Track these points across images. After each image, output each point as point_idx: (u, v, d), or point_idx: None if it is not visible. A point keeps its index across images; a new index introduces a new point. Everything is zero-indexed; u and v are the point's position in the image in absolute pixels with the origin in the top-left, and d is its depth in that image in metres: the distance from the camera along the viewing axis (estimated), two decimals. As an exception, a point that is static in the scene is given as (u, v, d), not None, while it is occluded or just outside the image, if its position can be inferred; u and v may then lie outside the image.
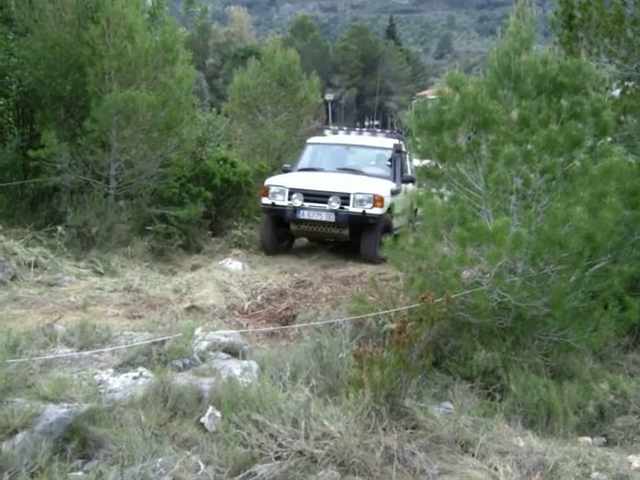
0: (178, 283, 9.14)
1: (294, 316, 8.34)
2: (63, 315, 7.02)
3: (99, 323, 6.20)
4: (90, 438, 3.98)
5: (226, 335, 6.12)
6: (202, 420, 4.31)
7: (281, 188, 11.64)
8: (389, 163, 12.81)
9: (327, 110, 28.28)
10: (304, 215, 11.45)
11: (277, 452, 3.90)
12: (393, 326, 5.34)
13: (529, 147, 6.18)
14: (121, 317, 7.44)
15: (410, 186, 12.22)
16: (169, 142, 11.96)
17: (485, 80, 6.76)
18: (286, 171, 13.12)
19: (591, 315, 6.30)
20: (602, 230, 5.98)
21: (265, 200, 11.77)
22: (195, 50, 22.46)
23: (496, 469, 4.03)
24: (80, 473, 3.70)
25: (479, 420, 4.77)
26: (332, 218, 11.31)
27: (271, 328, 7.77)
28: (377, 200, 11.22)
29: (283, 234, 12.17)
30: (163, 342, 5.38)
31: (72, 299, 7.85)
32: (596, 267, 6.32)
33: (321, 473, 3.79)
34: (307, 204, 11.41)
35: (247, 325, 7.92)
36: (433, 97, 7.28)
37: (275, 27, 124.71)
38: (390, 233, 11.01)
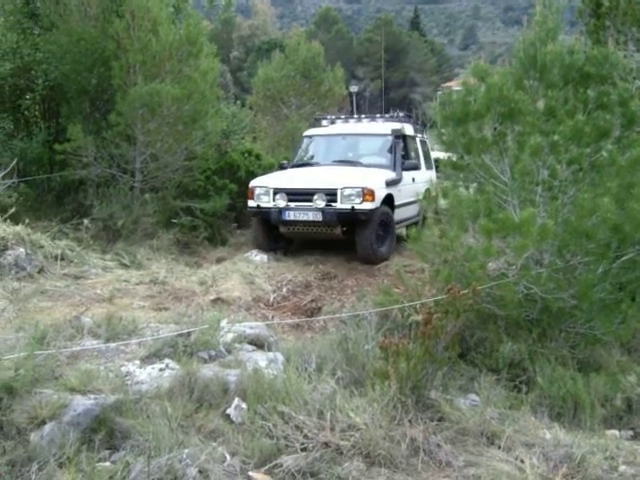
0: (203, 275, 9.16)
1: (319, 308, 8.36)
2: (90, 307, 7.06)
3: (125, 315, 6.23)
4: (117, 429, 4.01)
5: (252, 327, 6.14)
6: (228, 411, 4.33)
7: (265, 189, 10.62)
8: (388, 150, 11.81)
9: (352, 102, 28.20)
10: (290, 216, 10.41)
11: (303, 443, 3.91)
12: (419, 318, 5.33)
13: (556, 138, 6.13)
14: (147, 309, 7.47)
15: (417, 174, 11.94)
16: (194, 135, 11.98)
17: (511, 70, 6.72)
18: (283, 168, 12.30)
19: (618, 307, 6.24)
20: (630, 221, 5.92)
21: (251, 203, 10.77)
22: (219, 43, 22.52)
23: (522, 461, 4.01)
24: (107, 463, 3.73)
25: (505, 412, 4.75)
26: (319, 217, 10.21)
27: (296, 320, 7.78)
28: (367, 194, 10.05)
29: (276, 237, 11.11)
30: (189, 334, 5.39)
31: (98, 291, 7.91)
32: (624, 258, 6.26)
33: (347, 464, 3.80)
34: (292, 204, 10.37)
35: (272, 317, 7.94)
36: (458, 88, 7.25)
37: (299, 19, 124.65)
38: (390, 227, 10.65)
